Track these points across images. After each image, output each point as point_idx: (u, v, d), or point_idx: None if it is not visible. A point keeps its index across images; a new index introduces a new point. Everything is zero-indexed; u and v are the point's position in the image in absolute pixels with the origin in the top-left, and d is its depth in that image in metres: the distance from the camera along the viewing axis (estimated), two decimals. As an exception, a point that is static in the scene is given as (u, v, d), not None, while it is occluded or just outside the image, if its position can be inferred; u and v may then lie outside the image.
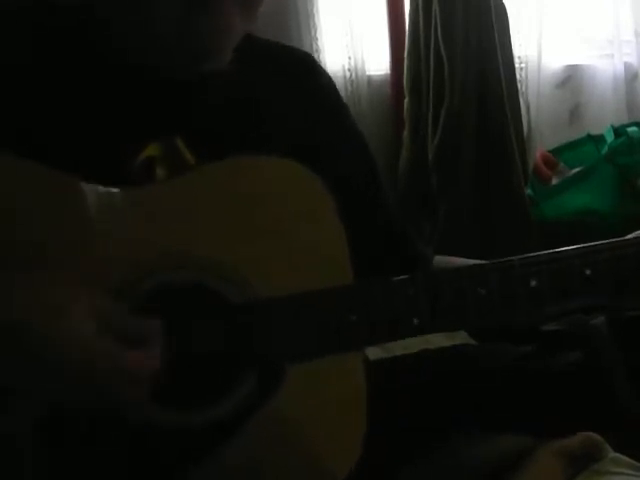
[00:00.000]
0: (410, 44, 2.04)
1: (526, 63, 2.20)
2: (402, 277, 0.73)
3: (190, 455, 0.69)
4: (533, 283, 0.73)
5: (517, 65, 2.16)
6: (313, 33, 2.04)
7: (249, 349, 0.70)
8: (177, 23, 0.72)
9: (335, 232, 0.72)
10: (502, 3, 2.05)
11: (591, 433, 0.85)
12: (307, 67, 0.91)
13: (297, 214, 0.72)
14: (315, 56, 2.04)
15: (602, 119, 2.20)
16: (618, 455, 0.84)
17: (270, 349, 0.70)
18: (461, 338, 1.42)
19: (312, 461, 0.71)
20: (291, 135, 0.82)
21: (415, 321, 0.72)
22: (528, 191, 2.06)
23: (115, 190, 0.69)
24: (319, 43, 2.05)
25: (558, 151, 2.14)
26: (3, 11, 0.75)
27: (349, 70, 2.08)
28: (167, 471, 0.69)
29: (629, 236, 0.77)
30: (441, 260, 0.97)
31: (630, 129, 2.02)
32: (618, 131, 2.04)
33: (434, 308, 0.72)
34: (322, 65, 2.09)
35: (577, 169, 2.03)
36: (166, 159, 0.72)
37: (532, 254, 0.74)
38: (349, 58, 2.07)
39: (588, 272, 0.74)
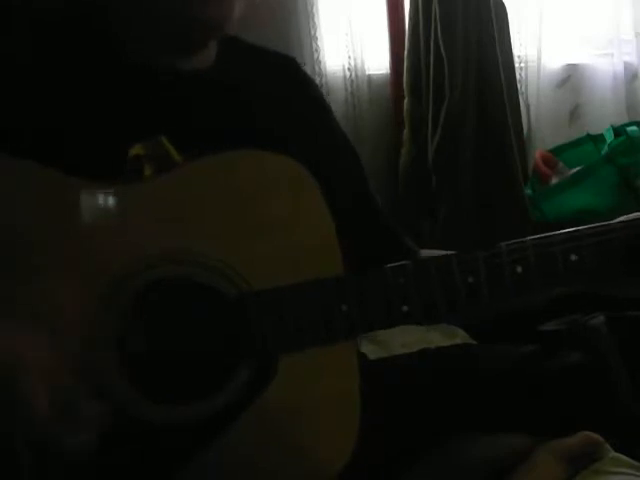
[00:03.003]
0: (410, 44, 2.04)
1: (526, 63, 2.20)
2: (392, 265, 0.73)
3: (185, 450, 0.69)
4: (519, 269, 0.74)
5: (517, 65, 2.15)
6: (313, 33, 2.04)
7: (243, 343, 0.70)
8: (178, 19, 0.73)
9: (327, 228, 0.72)
10: (502, 3, 2.04)
11: (591, 433, 0.85)
12: (292, 68, 0.93)
13: (291, 210, 0.72)
14: (315, 56, 2.04)
15: (602, 119, 2.19)
16: (618, 455, 0.84)
17: (263, 341, 0.70)
18: (461, 338, 1.43)
19: (305, 455, 0.72)
20: (282, 131, 0.83)
21: (404, 308, 0.72)
22: (528, 191, 2.06)
23: (112, 188, 0.69)
24: (319, 43, 2.05)
25: (558, 151, 2.14)
26: (1, 7, 0.75)
27: (349, 70, 2.08)
28: (163, 466, 0.69)
29: (614, 221, 0.78)
30: (428, 254, 0.98)
31: (630, 129, 2.02)
32: (618, 131, 2.04)
33: (423, 296, 0.73)
34: (321, 64, 2.09)
35: (577, 169, 2.03)
36: (153, 158, 0.73)
37: (518, 240, 0.75)
38: (349, 58, 2.07)
39: (573, 257, 0.74)
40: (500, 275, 0.74)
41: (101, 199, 0.69)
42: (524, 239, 0.75)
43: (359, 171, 0.97)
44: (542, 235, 0.76)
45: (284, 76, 0.91)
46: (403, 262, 0.74)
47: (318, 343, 0.71)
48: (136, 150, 0.72)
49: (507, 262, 0.74)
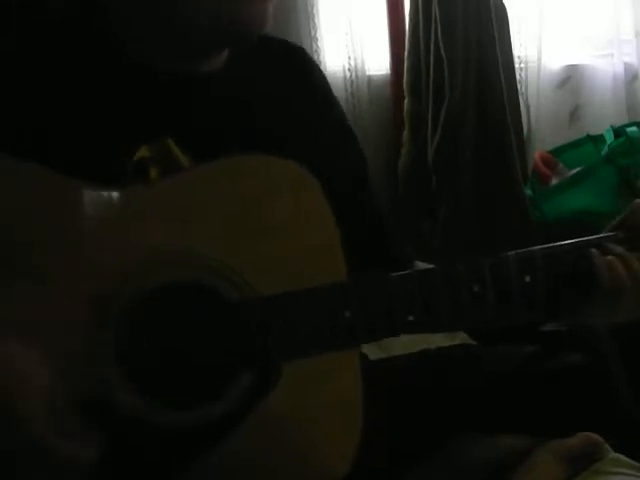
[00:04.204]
0: (410, 44, 2.04)
1: (526, 63, 2.19)
2: (398, 273, 0.73)
3: (186, 454, 0.69)
4: (527, 279, 0.73)
5: (517, 65, 2.15)
6: (313, 33, 2.04)
7: (246, 347, 0.70)
8: (181, 22, 0.73)
9: (329, 229, 0.72)
10: (502, 3, 2.04)
11: (591, 433, 0.85)
12: (300, 59, 0.92)
13: (295, 214, 0.72)
14: (315, 56, 2.04)
15: (602, 119, 2.19)
16: (618, 455, 0.84)
17: (266, 347, 0.70)
18: (461, 338, 1.42)
19: (308, 460, 0.72)
20: (282, 131, 0.82)
21: (410, 318, 0.72)
22: (528, 191, 2.06)
23: (115, 191, 0.69)
24: (319, 43, 2.05)
25: (558, 152, 2.13)
26: (1, 7, 0.75)
27: (349, 70, 2.08)
28: (164, 469, 0.69)
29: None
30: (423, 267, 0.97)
31: (630, 129, 2.02)
32: (618, 132, 2.04)
33: (429, 304, 0.72)
34: (321, 64, 2.09)
35: (577, 169, 2.03)
36: (159, 161, 0.73)
37: (526, 249, 0.75)
38: (349, 58, 2.07)
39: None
40: (507, 283, 0.73)
41: (103, 200, 0.69)
42: (532, 248, 0.75)
43: (364, 168, 0.95)
44: (550, 245, 0.75)
45: (287, 67, 0.89)
46: (409, 270, 0.73)
47: (320, 349, 0.71)
48: (141, 152, 0.72)
49: (515, 270, 0.73)
